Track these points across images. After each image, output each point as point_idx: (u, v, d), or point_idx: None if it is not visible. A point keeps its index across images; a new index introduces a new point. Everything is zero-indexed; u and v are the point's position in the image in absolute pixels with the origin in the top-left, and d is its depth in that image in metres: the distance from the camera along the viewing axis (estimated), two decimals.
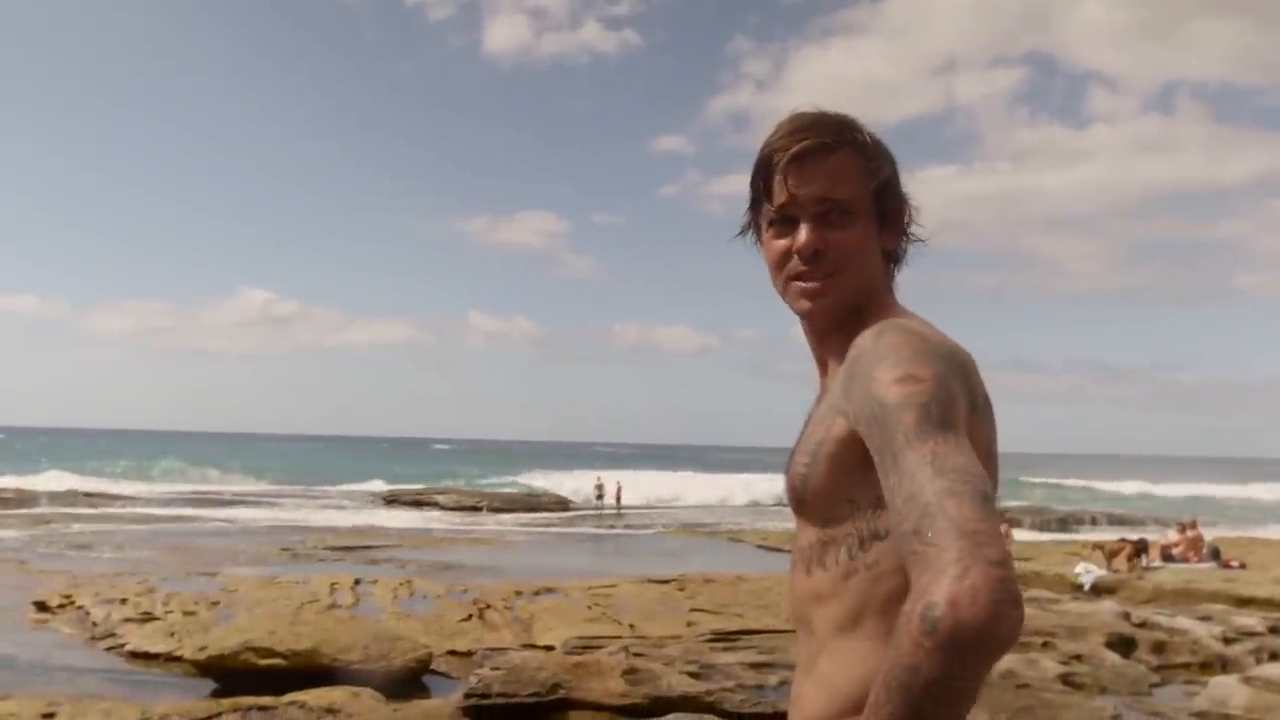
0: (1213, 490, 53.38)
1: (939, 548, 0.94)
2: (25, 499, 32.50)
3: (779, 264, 1.31)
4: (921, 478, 1.00)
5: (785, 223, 1.30)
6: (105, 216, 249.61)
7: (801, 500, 1.28)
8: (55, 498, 33.86)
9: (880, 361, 1.12)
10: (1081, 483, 58.07)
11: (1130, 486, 55.76)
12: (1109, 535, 21.17)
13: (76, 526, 23.19)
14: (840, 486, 1.22)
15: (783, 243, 1.30)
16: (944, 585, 0.91)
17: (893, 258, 1.35)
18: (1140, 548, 15.91)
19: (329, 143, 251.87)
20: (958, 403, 1.10)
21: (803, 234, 1.27)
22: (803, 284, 1.29)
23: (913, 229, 1.36)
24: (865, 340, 1.18)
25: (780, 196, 1.29)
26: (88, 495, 35.57)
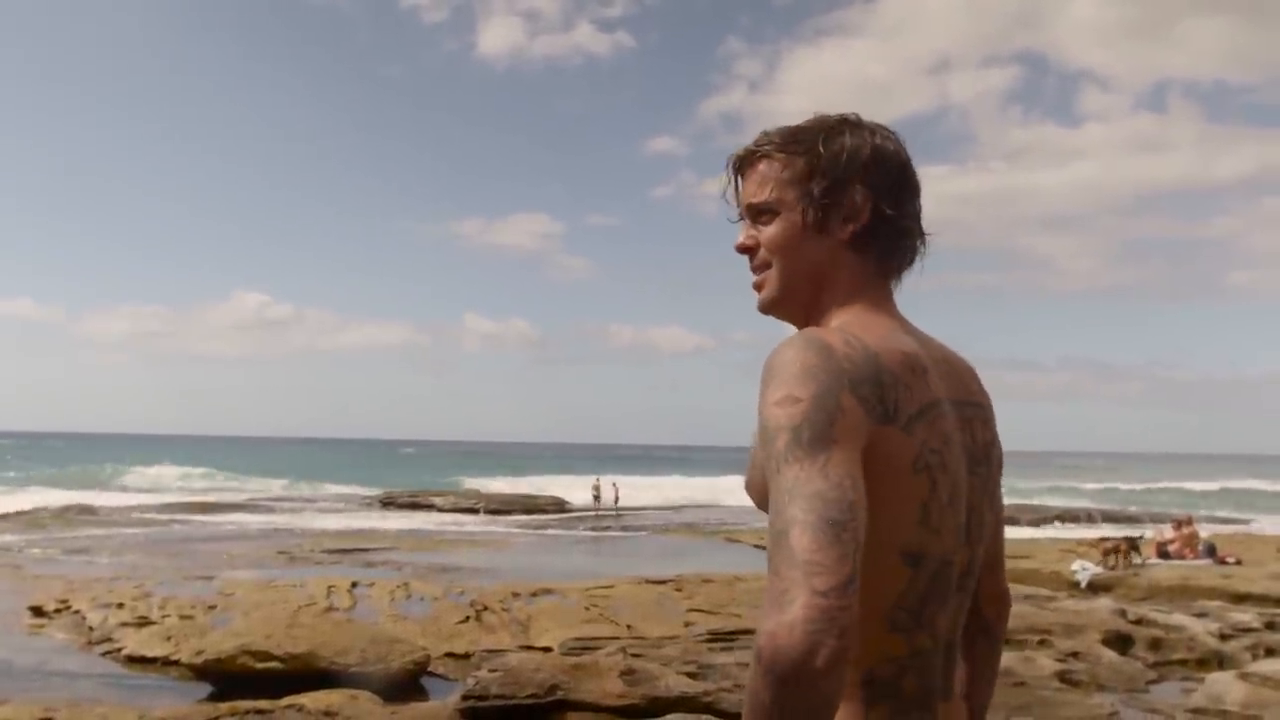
0: (1207, 486, 53.51)
1: (777, 577, 1.01)
2: (20, 502, 32.41)
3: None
4: (779, 505, 1.06)
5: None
6: (100, 220, 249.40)
7: (756, 503, 1.33)
8: (51, 501, 33.79)
9: (770, 380, 1.15)
10: (1077, 480, 58.15)
11: (1126, 483, 55.85)
12: (1104, 532, 21.21)
13: (72, 531, 23.15)
14: None
15: None
16: (770, 616, 0.99)
17: (862, 247, 1.32)
18: (1132, 544, 15.94)
19: (322, 145, 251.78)
20: (841, 421, 1.10)
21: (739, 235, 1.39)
22: (752, 281, 1.39)
23: (884, 215, 1.31)
24: (772, 353, 1.19)
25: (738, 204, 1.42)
26: (83, 499, 35.50)
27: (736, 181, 1.40)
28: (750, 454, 1.32)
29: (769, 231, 1.35)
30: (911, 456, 1.18)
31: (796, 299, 1.35)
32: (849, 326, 1.24)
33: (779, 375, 1.14)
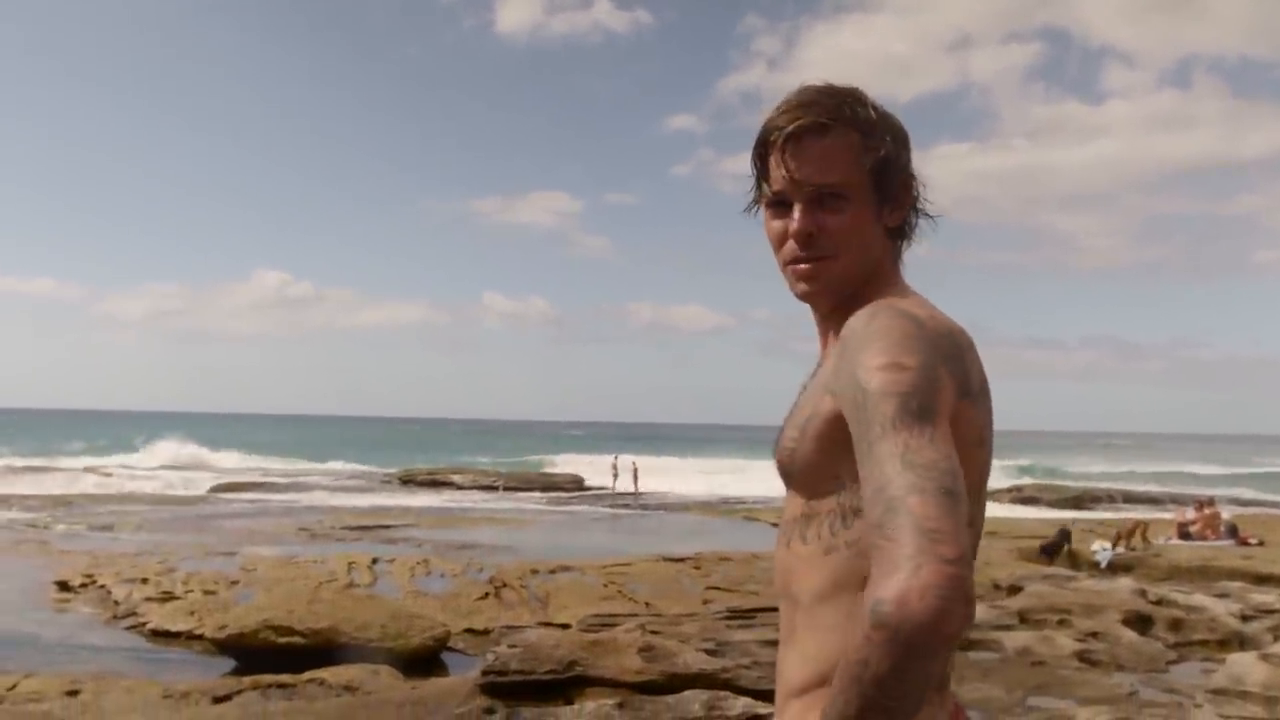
0: (1230, 468, 53.09)
1: (896, 543, 0.97)
2: (45, 479, 32.80)
3: (777, 246, 1.31)
4: (890, 470, 1.03)
5: (781, 205, 1.30)
6: (120, 201, 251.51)
7: (789, 474, 1.31)
8: (75, 478, 34.16)
9: (868, 345, 1.12)
10: (1098, 460, 57.81)
11: (1147, 464, 55.49)
12: (1127, 514, 21.11)
13: (96, 507, 23.39)
14: (826, 462, 1.22)
15: (779, 225, 1.30)
16: (894, 581, 0.95)
17: (898, 234, 1.33)
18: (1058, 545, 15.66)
19: (342, 125, 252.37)
20: (942, 392, 1.10)
21: (796, 218, 1.27)
22: (799, 268, 1.29)
23: (921, 204, 1.34)
24: (858, 321, 1.17)
25: (776, 179, 1.28)
26: (107, 475, 35.89)
27: (787, 157, 1.26)
28: (793, 423, 1.29)
29: (840, 221, 1.26)
30: (979, 430, 1.19)
31: (847, 290, 1.29)
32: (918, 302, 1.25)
33: (879, 340, 1.12)
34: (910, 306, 1.19)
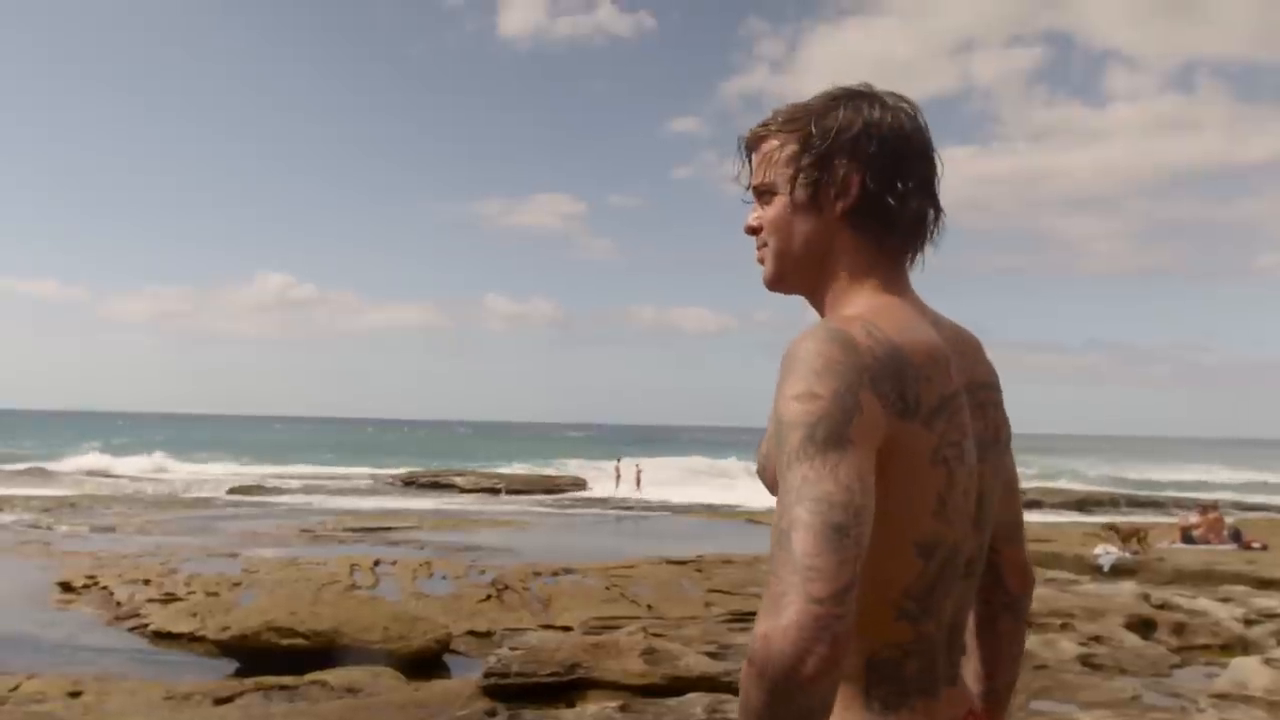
0: (1234, 471, 53.02)
1: (776, 578, 1.00)
2: (47, 481, 32.85)
3: None
4: (788, 501, 1.04)
5: None
6: (123, 203, 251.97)
7: (767, 484, 1.31)
8: (77, 480, 34.21)
9: (791, 372, 1.12)
10: (1101, 464, 57.75)
11: (1150, 467, 55.43)
12: (1130, 518, 21.08)
13: (99, 508, 23.41)
14: None
15: None
16: (764, 619, 0.98)
17: (865, 223, 1.28)
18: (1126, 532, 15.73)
19: (344, 126, 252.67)
20: (858, 419, 1.08)
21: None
22: (756, 257, 1.41)
23: (874, 190, 1.27)
24: (792, 344, 1.16)
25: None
26: (109, 477, 35.93)
27: (751, 162, 1.40)
28: (765, 437, 1.30)
29: (768, 211, 1.35)
30: (930, 450, 1.17)
31: (799, 277, 1.35)
32: (869, 315, 1.21)
33: (799, 368, 1.12)
34: (849, 326, 1.16)
